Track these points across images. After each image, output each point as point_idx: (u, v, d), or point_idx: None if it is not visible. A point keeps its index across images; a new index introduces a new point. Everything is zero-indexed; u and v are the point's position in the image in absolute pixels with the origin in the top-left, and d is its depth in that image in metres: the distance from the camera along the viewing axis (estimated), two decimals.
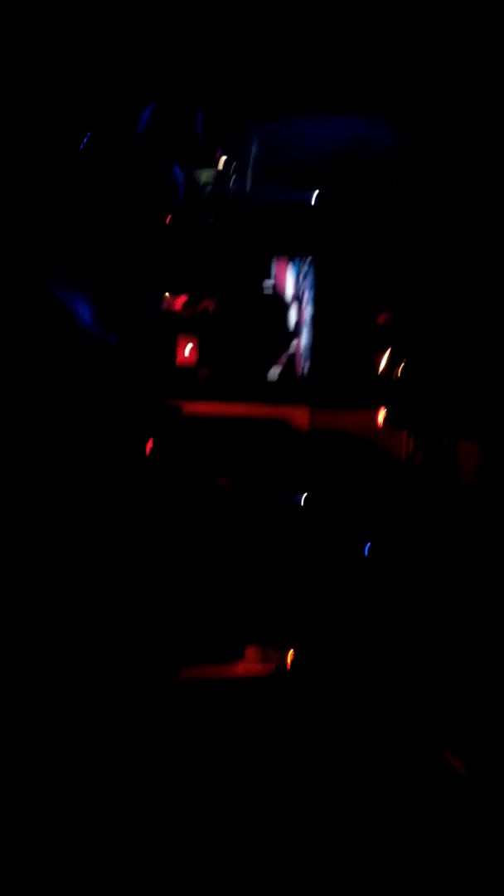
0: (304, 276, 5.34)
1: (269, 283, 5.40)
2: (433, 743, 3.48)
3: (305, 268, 5.34)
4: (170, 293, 5.33)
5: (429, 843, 3.02)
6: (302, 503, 5.13)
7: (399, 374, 4.57)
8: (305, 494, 5.13)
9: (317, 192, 5.51)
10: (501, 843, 2.98)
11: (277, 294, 5.37)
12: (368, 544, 4.88)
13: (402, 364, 4.59)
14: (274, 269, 5.43)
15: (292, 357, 5.31)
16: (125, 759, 3.33)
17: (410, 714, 3.74)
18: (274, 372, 5.28)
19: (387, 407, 4.72)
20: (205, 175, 5.55)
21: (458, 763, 3.26)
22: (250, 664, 4.29)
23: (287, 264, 5.43)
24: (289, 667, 4.37)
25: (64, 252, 4.56)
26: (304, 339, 5.34)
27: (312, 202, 5.38)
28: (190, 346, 5.19)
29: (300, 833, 3.11)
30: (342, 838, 3.09)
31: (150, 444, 4.83)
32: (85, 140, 4.68)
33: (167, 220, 5.11)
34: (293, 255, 5.43)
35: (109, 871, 2.91)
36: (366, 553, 4.78)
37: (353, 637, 4.35)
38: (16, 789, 3.09)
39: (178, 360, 5.11)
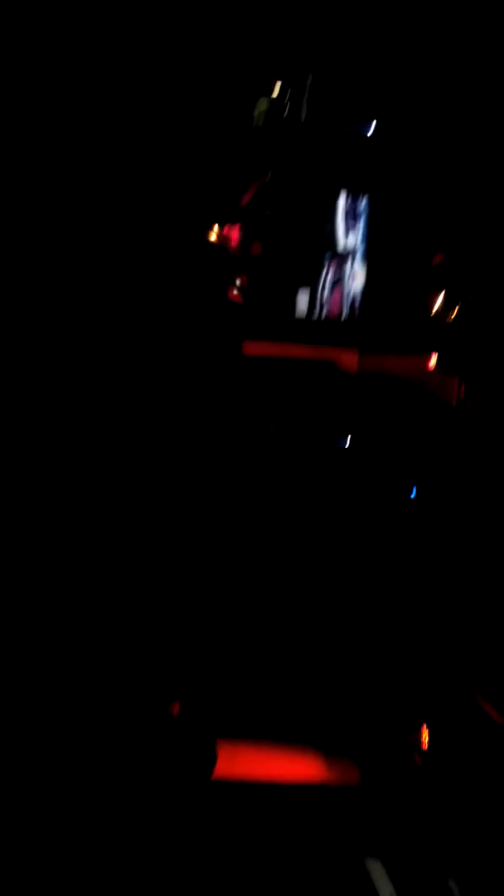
0: (359, 214, 5.17)
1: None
2: (469, 688, 3.48)
3: (360, 204, 5.16)
4: (222, 223, 5.20)
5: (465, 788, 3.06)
6: (347, 446, 5.09)
7: (453, 318, 4.42)
8: (350, 438, 5.07)
9: (374, 123, 5.27)
10: None
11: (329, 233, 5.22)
12: (415, 489, 4.82)
13: (457, 307, 4.43)
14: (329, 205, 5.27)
15: (342, 297, 5.18)
16: None
17: (449, 660, 3.74)
18: (324, 312, 5.18)
19: (439, 351, 4.59)
20: (261, 105, 5.38)
21: (492, 710, 3.27)
22: None
23: (341, 199, 5.25)
24: None
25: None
26: (356, 280, 5.20)
27: (369, 134, 5.17)
28: (238, 282, 5.10)
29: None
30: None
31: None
32: None
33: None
34: (347, 191, 5.25)
35: None
36: (412, 497, 4.73)
37: (397, 575, 4.35)
38: None
39: (229, 297, 5.02)
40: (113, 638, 3.76)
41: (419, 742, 3.48)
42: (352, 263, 5.16)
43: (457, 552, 4.35)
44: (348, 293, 5.16)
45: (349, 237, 5.19)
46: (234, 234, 5.21)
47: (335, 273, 5.21)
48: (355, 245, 5.16)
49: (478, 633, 3.83)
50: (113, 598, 3.89)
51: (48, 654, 3.65)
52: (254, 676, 4.05)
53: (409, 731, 3.58)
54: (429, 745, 3.42)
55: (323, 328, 5.13)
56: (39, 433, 4.20)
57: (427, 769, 3.39)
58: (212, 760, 3.41)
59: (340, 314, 5.17)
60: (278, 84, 5.36)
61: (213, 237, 5.09)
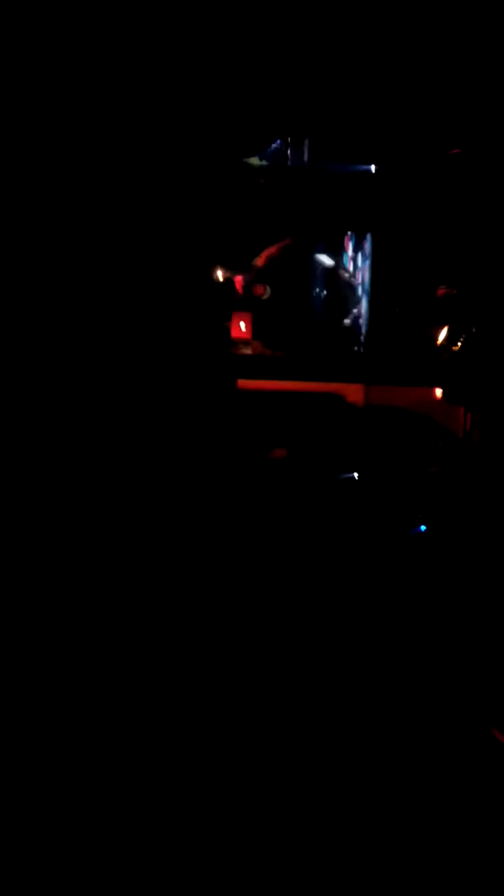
0: (361, 249, 5.26)
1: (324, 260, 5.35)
2: (483, 720, 3.44)
3: (363, 241, 5.26)
4: (227, 269, 5.31)
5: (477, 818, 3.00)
6: (356, 478, 5.10)
7: (458, 349, 4.48)
8: (359, 471, 5.09)
9: (373, 166, 5.40)
10: None
11: (333, 270, 5.32)
12: (423, 525, 4.82)
13: (462, 338, 4.49)
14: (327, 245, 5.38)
15: (348, 331, 5.25)
16: None
17: (462, 692, 3.70)
18: (329, 346, 5.24)
19: (444, 382, 4.64)
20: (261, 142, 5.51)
21: None
22: None
23: (345, 237, 5.36)
24: None
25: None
26: (360, 314, 5.27)
27: (370, 174, 5.29)
28: (243, 323, 5.18)
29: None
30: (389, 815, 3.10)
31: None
32: None
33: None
34: (350, 229, 5.35)
35: None
36: (421, 531, 4.73)
37: (408, 612, 4.32)
38: None
39: (234, 334, 5.10)
40: None
41: None
42: (357, 299, 5.24)
43: (468, 587, 4.33)
44: (355, 328, 5.23)
45: (354, 273, 5.28)
46: (238, 278, 5.30)
47: (341, 309, 5.29)
48: (360, 281, 5.24)
49: (490, 666, 3.79)
50: None
51: None
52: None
53: None
54: None
55: (330, 362, 5.19)
56: (30, 466, 4.28)
57: None
58: None
59: (347, 348, 5.24)
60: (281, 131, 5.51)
61: (218, 277, 5.20)
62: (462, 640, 4.00)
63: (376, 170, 5.23)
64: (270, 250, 5.24)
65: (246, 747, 3.34)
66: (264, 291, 5.09)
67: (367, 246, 5.23)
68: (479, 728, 3.40)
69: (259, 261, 5.27)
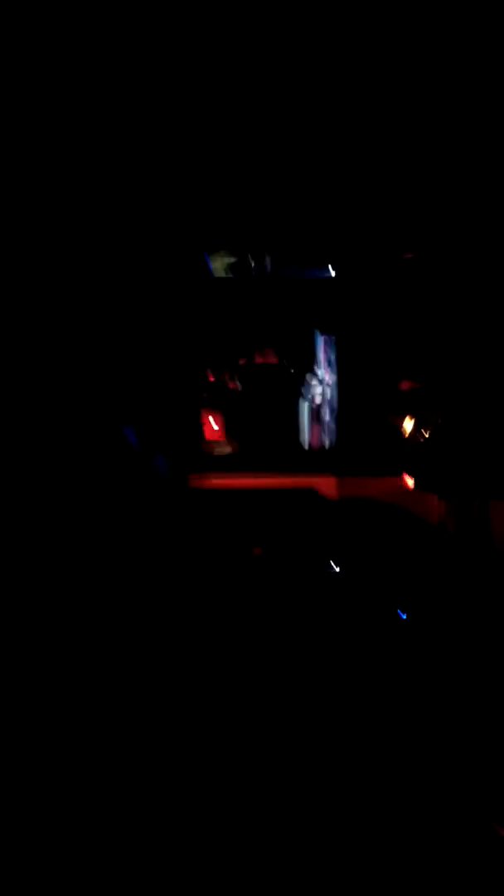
0: (327, 348, 5.47)
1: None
2: (483, 815, 3.34)
3: (330, 341, 5.47)
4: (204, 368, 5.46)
5: None
6: (335, 572, 5.11)
7: (425, 439, 4.62)
8: (338, 565, 5.11)
9: (332, 271, 5.70)
10: None
11: (301, 370, 5.50)
12: (403, 612, 4.82)
13: (429, 428, 4.64)
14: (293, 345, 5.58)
15: (318, 427, 5.37)
16: None
17: (458, 785, 3.61)
18: (300, 443, 5.35)
19: (415, 472, 4.75)
20: (225, 258, 5.78)
21: None
22: None
23: (309, 338, 5.56)
24: None
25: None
26: (328, 409, 5.42)
27: (330, 278, 5.56)
28: (213, 420, 5.29)
29: None
30: None
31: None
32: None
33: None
34: (313, 330, 5.58)
35: None
36: (402, 618, 4.72)
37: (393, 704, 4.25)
38: None
39: (206, 434, 5.21)
40: None
41: None
42: (326, 394, 5.40)
43: (450, 676, 4.30)
44: (324, 422, 5.36)
45: (322, 371, 5.46)
46: (209, 373, 5.45)
47: (311, 405, 5.44)
48: (328, 377, 5.42)
49: (479, 747, 3.73)
50: None
51: None
52: None
53: None
54: None
55: (302, 458, 5.30)
56: None
57: None
58: None
59: (318, 443, 5.36)
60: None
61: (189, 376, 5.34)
62: (458, 732, 3.93)
63: (336, 275, 5.52)
64: (244, 360, 5.41)
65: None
66: (237, 385, 5.24)
67: (333, 345, 5.44)
68: (481, 824, 3.31)
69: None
